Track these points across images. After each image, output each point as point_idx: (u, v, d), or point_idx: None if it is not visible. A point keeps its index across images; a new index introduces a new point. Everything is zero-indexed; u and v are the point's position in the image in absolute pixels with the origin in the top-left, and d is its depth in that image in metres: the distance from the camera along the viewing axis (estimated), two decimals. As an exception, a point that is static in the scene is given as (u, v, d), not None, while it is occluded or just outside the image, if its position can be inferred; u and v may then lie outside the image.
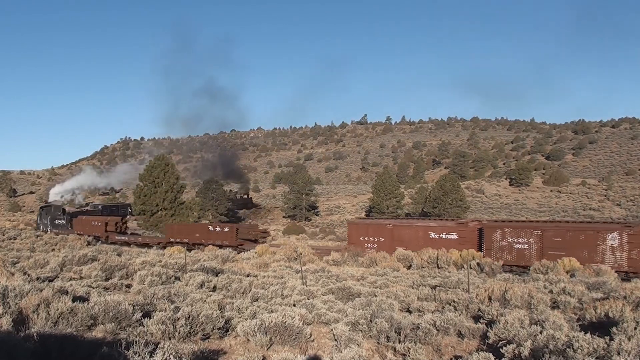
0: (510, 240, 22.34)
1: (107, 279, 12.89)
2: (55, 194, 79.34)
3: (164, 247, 30.44)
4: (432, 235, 24.71)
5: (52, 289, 8.16)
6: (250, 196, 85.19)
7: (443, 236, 24.41)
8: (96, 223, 40.36)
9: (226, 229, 32.01)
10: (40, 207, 56.96)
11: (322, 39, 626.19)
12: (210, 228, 32.89)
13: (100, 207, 62.33)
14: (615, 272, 17.64)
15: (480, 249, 22.75)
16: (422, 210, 62.08)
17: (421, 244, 23.92)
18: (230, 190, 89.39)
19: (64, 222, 48.02)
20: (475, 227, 24.09)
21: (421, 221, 28.09)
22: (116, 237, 37.07)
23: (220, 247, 28.44)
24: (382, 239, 25.94)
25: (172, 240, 33.76)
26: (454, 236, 24.25)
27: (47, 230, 46.42)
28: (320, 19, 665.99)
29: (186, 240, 32.64)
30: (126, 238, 36.89)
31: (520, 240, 22.12)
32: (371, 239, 26.32)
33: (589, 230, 21.10)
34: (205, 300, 9.64)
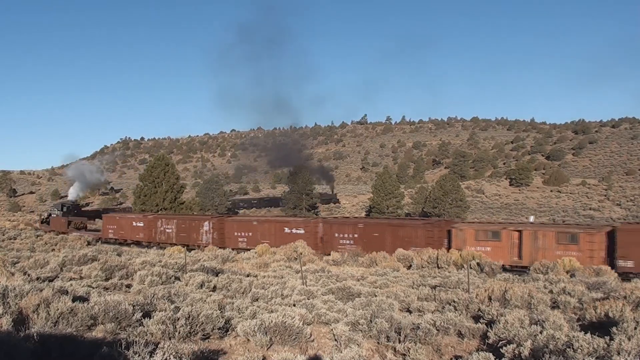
0: (165, 226, 34.83)
1: (107, 279, 12.89)
2: (72, 192, 79.72)
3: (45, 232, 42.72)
4: (134, 224, 37.03)
5: (52, 289, 8.16)
6: (335, 193, 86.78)
7: (137, 224, 36.80)
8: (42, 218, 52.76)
9: (63, 221, 47.39)
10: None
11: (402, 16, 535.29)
12: (62, 221, 47.92)
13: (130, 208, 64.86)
14: (206, 246, 28.61)
15: (152, 233, 35.29)
16: (422, 210, 61.97)
17: (129, 230, 37.26)
18: (230, 190, 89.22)
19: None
20: (152, 218, 36.43)
21: (130, 214, 42.13)
22: (42, 229, 48.88)
23: (58, 232, 42.27)
24: (115, 227, 38.64)
25: (47, 230, 46.11)
26: (141, 224, 36.40)
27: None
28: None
29: (53, 229, 45.60)
30: (41, 228, 48.51)
31: (169, 226, 34.56)
32: (112, 226, 38.92)
33: (196, 220, 33.79)
34: (205, 300, 9.64)
